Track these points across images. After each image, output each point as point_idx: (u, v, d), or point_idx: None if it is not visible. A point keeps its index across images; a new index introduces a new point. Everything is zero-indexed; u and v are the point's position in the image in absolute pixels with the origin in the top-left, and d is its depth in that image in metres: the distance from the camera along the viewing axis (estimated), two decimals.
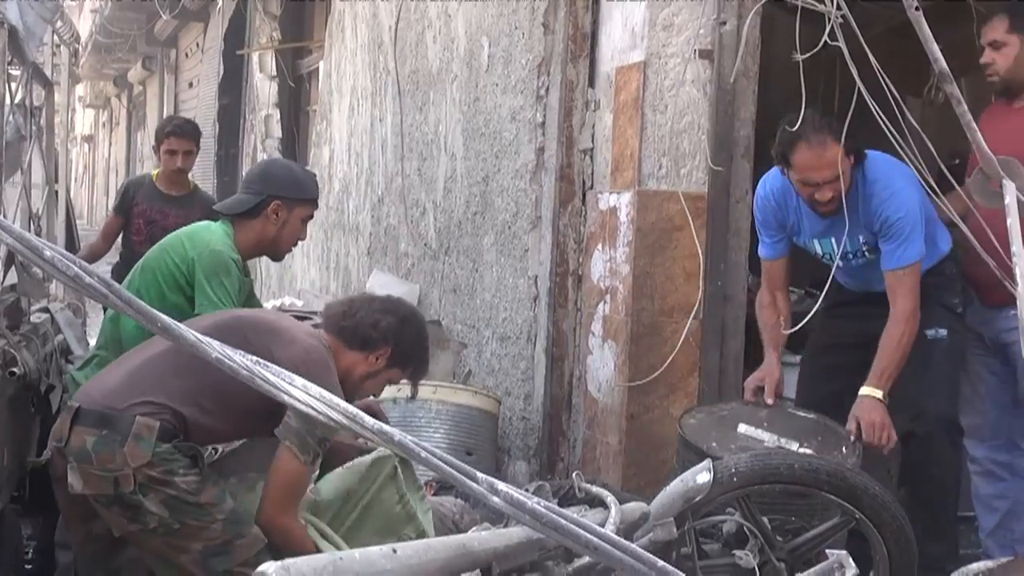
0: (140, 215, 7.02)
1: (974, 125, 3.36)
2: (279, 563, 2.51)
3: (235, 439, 3.66)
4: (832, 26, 3.84)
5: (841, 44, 3.82)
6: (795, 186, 4.43)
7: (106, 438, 3.43)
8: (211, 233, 4.36)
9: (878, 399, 4.25)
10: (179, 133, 7.07)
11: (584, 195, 5.59)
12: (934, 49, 3.20)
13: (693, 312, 5.05)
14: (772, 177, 4.60)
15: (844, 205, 4.32)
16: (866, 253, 4.51)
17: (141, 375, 3.57)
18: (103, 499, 3.44)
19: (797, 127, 4.28)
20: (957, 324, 4.58)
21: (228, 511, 3.51)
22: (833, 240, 4.52)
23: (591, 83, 5.57)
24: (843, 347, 4.68)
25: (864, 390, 4.27)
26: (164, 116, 16.38)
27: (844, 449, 4.18)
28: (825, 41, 3.88)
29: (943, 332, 4.49)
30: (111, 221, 7.31)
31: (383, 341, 3.77)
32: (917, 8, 3.16)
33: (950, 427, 4.47)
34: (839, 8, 3.80)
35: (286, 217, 4.39)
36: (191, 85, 17.51)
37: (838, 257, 4.51)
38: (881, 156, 4.41)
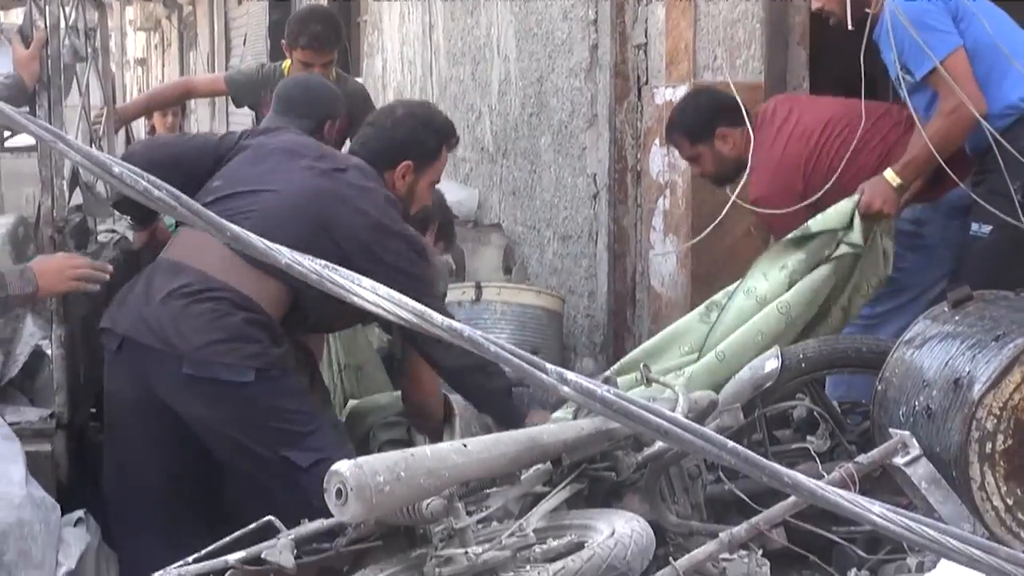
0: None
1: None
2: (352, 461, 2.56)
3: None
4: None
5: None
6: None
7: None
8: None
9: (890, 184, 4.13)
10: (316, 47, 5.44)
11: (639, 91, 5.55)
12: None
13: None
14: None
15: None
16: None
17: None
18: None
19: None
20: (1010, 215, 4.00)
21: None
22: None
23: None
24: None
25: (885, 172, 4.16)
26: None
27: None
28: None
29: (986, 228, 4.10)
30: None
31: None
32: None
33: None
34: None
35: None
36: (240, 2, 17.44)
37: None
38: None
